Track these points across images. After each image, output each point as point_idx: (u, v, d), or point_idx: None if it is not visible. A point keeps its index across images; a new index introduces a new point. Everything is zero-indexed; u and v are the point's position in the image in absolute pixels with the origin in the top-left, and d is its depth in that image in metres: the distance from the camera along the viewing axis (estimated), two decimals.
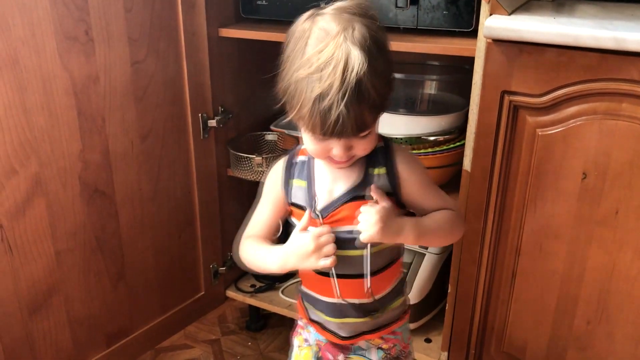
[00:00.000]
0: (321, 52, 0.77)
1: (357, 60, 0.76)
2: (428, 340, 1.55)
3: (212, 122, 1.60)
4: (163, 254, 1.61)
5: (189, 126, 1.57)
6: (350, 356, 1.06)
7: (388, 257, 0.97)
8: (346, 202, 0.90)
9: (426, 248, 1.51)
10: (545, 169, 1.13)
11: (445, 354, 1.43)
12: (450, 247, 1.36)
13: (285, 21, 1.52)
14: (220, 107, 1.63)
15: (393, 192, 0.91)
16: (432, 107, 1.43)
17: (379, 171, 0.91)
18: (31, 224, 1.27)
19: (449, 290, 1.36)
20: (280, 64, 0.85)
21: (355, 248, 0.91)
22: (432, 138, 1.38)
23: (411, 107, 1.42)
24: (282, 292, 1.73)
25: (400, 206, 0.93)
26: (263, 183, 1.01)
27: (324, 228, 0.87)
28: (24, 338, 1.32)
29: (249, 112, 1.72)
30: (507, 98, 1.11)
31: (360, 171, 0.91)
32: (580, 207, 1.12)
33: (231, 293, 1.84)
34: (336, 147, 0.84)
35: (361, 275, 0.94)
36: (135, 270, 1.55)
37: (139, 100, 1.42)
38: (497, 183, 1.19)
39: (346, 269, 0.93)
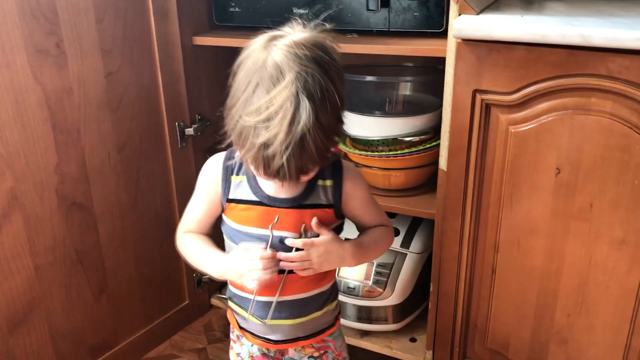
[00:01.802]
0: (272, 100, 0.78)
1: (304, 114, 0.77)
2: (413, 340, 1.55)
3: (190, 131, 1.60)
4: (145, 265, 1.61)
5: (166, 135, 1.56)
6: None
7: None
8: (288, 207, 0.92)
9: (408, 248, 1.52)
10: (519, 166, 1.14)
11: (430, 352, 1.44)
12: (432, 246, 1.37)
13: (258, 27, 1.52)
14: (197, 115, 1.63)
15: (334, 204, 0.95)
16: (407, 108, 1.44)
17: (325, 183, 0.94)
18: (8, 240, 1.26)
19: (431, 289, 1.37)
20: (230, 89, 0.85)
21: (288, 250, 0.93)
22: (407, 139, 1.39)
23: (386, 108, 1.43)
24: None
25: (338, 217, 0.97)
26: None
27: (263, 254, 0.89)
28: (5, 355, 1.31)
29: None
30: (479, 97, 1.13)
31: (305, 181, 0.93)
32: (556, 202, 1.13)
33: (216, 301, 1.84)
34: (285, 186, 0.90)
35: (289, 272, 0.95)
36: (117, 281, 1.54)
37: (114, 111, 1.42)
38: (473, 181, 1.20)
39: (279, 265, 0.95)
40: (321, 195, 0.94)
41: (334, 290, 1.06)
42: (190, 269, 1.74)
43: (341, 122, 0.86)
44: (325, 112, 0.79)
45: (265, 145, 0.78)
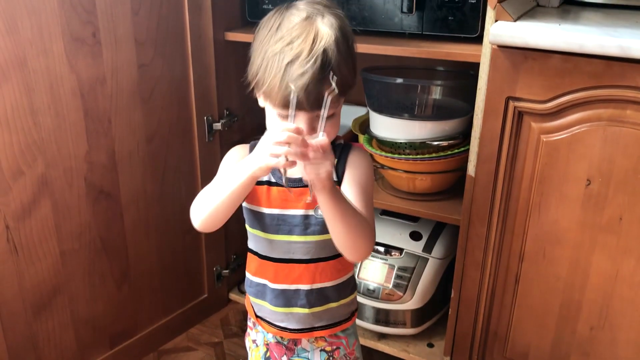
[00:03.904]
0: (293, 28, 0.85)
1: (325, 33, 0.84)
2: (430, 345, 1.55)
3: (217, 125, 1.61)
4: (167, 256, 1.62)
5: (194, 129, 1.57)
6: (294, 358, 1.07)
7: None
8: (302, 186, 0.94)
9: (430, 253, 1.51)
10: (549, 175, 1.13)
11: (448, 358, 1.43)
12: (454, 251, 1.37)
13: None
14: (225, 110, 1.64)
15: (339, 182, 0.95)
16: (437, 112, 1.43)
17: (335, 161, 0.94)
18: (37, 225, 1.28)
19: (452, 295, 1.36)
20: (251, 52, 0.91)
21: (304, 234, 0.95)
22: (436, 143, 1.38)
23: (415, 111, 1.43)
24: None
25: None
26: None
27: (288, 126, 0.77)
28: (28, 338, 1.33)
29: (254, 115, 1.73)
30: (511, 104, 1.12)
31: None
32: (584, 213, 1.12)
33: (234, 296, 1.85)
34: (301, 124, 0.84)
35: (306, 261, 0.97)
36: (139, 271, 1.55)
37: (145, 103, 1.43)
38: (501, 188, 1.19)
39: (294, 253, 0.97)
40: (333, 172, 0.94)
41: (351, 283, 1.06)
42: (211, 263, 1.75)
43: (354, 72, 0.91)
44: (342, 43, 0.86)
45: (291, 63, 0.83)
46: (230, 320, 1.81)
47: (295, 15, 0.86)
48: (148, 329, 1.63)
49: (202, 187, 1.60)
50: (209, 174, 1.63)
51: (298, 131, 0.76)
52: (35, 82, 1.19)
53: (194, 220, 0.93)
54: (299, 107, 0.83)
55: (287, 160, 0.77)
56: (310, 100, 0.83)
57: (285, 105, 0.84)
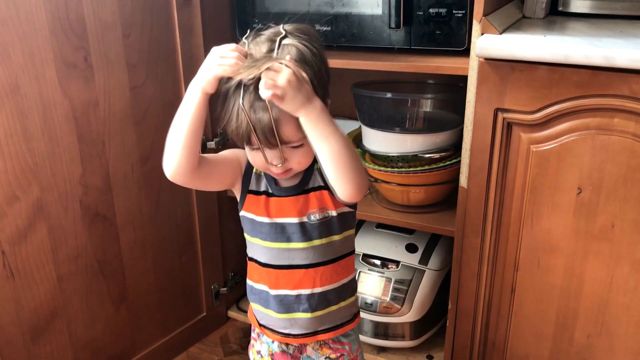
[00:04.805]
0: (252, 62, 0.83)
1: (280, 61, 0.82)
2: (430, 357, 1.55)
3: (211, 144, 1.62)
4: (164, 276, 1.62)
5: None
6: None
7: (339, 250, 1.01)
8: (292, 195, 0.97)
9: (426, 264, 1.52)
10: (540, 185, 1.14)
11: None
12: (450, 263, 1.37)
13: None
14: (218, 130, 1.64)
15: (326, 186, 0.96)
16: (428, 125, 1.45)
17: (317, 166, 0.95)
18: (33, 249, 1.28)
19: (449, 306, 1.36)
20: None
21: (302, 240, 0.97)
22: (427, 155, 1.39)
23: (406, 125, 1.44)
24: None
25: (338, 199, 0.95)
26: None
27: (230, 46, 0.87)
28: None
29: None
30: (500, 115, 1.13)
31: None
32: (577, 221, 1.13)
33: (233, 313, 1.85)
34: (270, 157, 0.90)
35: (306, 266, 0.99)
36: (137, 292, 1.55)
37: (138, 124, 1.44)
38: (493, 199, 1.20)
39: (293, 259, 0.99)
40: (318, 177, 0.97)
41: (352, 286, 1.07)
42: (209, 281, 1.75)
43: (322, 92, 0.89)
44: (301, 70, 0.84)
45: (237, 88, 0.85)
46: (230, 338, 1.81)
47: (256, 50, 0.86)
48: (147, 349, 1.63)
49: (198, 206, 1.63)
50: (203, 192, 1.64)
51: (238, 49, 0.85)
52: (28, 108, 1.20)
53: (166, 170, 0.95)
54: (261, 142, 0.86)
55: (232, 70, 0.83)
56: (267, 133, 0.85)
57: (246, 140, 0.88)
